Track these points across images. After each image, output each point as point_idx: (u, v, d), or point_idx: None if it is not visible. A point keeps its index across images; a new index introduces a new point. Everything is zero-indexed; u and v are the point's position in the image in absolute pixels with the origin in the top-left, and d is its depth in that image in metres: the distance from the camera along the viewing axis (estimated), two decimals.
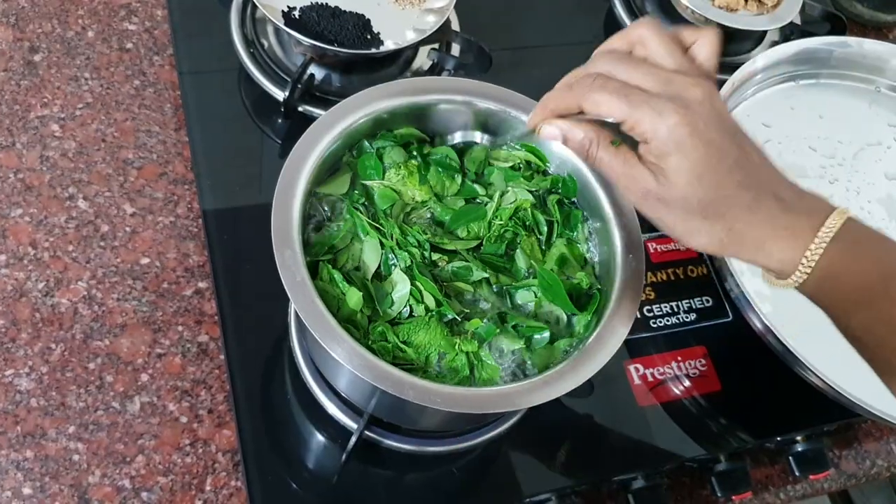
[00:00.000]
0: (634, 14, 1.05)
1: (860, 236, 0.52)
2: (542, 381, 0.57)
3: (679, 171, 0.49)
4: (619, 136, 0.53)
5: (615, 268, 0.63)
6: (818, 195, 0.53)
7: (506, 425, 0.75)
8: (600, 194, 0.66)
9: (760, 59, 0.89)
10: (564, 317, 0.64)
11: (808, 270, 0.50)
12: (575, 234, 0.67)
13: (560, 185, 0.68)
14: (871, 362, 0.55)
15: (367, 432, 0.71)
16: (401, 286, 0.61)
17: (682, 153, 0.49)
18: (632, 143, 0.52)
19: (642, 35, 0.53)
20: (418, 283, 0.61)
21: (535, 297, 0.64)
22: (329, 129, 0.62)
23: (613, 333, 0.59)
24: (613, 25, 1.07)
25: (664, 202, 0.51)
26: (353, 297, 0.60)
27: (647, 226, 0.88)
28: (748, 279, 0.79)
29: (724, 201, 0.50)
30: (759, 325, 0.77)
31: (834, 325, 0.55)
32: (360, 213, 0.64)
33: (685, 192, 0.50)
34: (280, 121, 0.89)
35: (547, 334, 0.62)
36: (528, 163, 0.70)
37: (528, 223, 0.66)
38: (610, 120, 0.51)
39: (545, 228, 0.67)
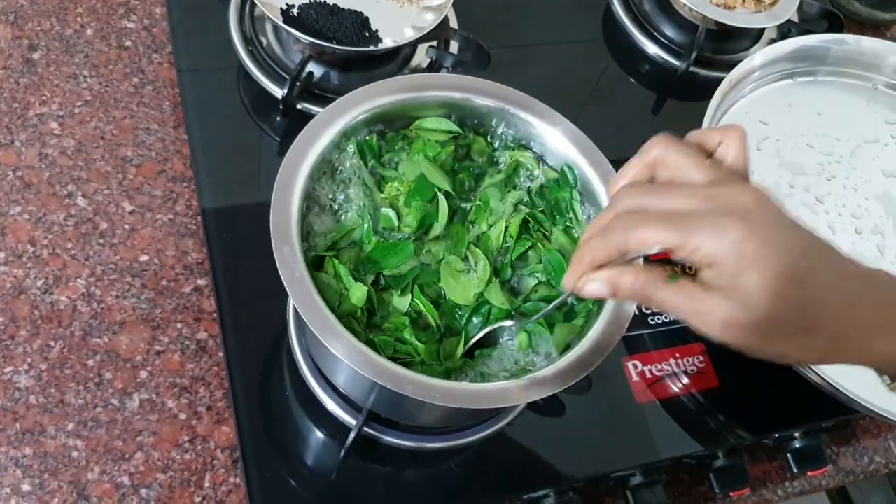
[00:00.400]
0: (632, 12, 1.05)
1: None
2: (539, 377, 0.57)
3: (759, 288, 0.42)
4: (673, 269, 0.46)
5: None
6: (878, 270, 0.47)
7: (504, 422, 0.75)
8: (595, 184, 0.66)
9: (758, 56, 0.90)
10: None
11: None
12: (567, 217, 0.67)
13: (560, 176, 0.68)
14: None
15: (365, 429, 0.71)
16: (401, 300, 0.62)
17: (757, 268, 0.42)
18: (689, 274, 0.46)
19: (660, 155, 0.48)
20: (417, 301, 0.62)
21: (538, 281, 0.64)
22: (327, 126, 0.63)
23: (612, 330, 0.59)
24: (612, 24, 1.07)
25: (750, 327, 0.44)
26: (357, 293, 0.60)
27: None
28: None
29: (818, 308, 0.44)
30: None
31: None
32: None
33: (772, 310, 0.43)
34: (279, 118, 0.89)
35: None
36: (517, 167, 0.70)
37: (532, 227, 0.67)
38: (655, 251, 0.45)
39: (549, 224, 0.67)
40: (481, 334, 0.61)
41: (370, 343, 0.57)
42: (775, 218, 0.44)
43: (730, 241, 0.42)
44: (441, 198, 0.65)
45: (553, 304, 0.59)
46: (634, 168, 0.49)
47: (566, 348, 0.61)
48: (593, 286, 0.48)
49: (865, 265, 0.47)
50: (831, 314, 0.44)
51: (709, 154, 0.50)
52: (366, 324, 0.61)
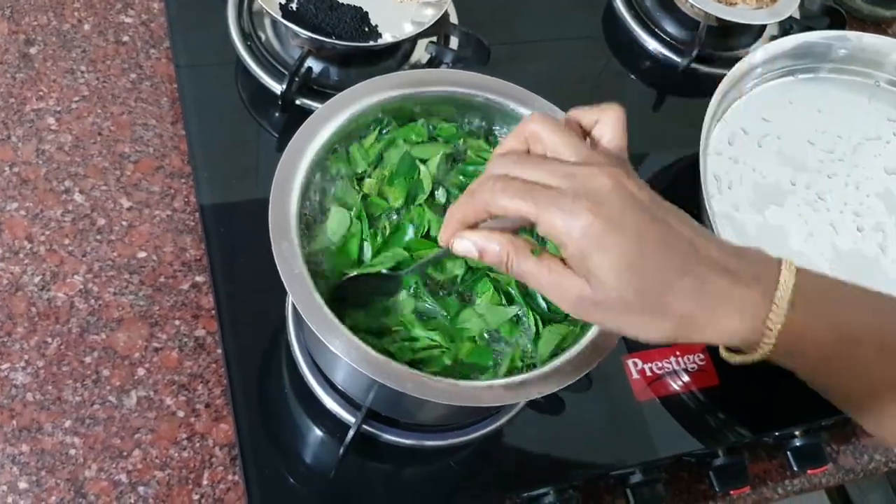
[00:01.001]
0: (634, 9, 1.05)
1: (813, 292, 0.48)
2: (540, 375, 0.57)
3: (606, 269, 0.45)
4: (540, 241, 0.49)
5: None
6: (757, 251, 0.49)
7: (503, 419, 0.74)
8: None
9: (759, 53, 0.89)
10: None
11: (774, 340, 0.47)
12: None
13: None
14: (849, 412, 0.54)
15: (364, 426, 0.71)
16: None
17: (604, 251, 0.45)
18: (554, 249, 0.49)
19: (534, 131, 0.50)
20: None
21: None
22: (326, 121, 0.62)
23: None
24: (612, 20, 1.06)
25: (601, 305, 0.47)
26: None
27: None
28: None
29: (664, 290, 0.46)
30: None
31: (809, 384, 0.53)
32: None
33: (619, 291, 0.45)
34: (277, 114, 0.89)
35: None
36: None
37: None
38: (519, 222, 0.48)
39: None
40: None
41: (385, 352, 0.57)
42: (630, 201, 0.46)
43: (578, 224, 0.45)
44: (422, 167, 0.65)
45: (429, 257, 0.61)
46: (511, 140, 0.52)
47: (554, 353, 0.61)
48: (463, 244, 0.50)
49: (733, 246, 0.49)
50: (677, 300, 0.46)
51: (586, 135, 0.52)
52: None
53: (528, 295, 0.62)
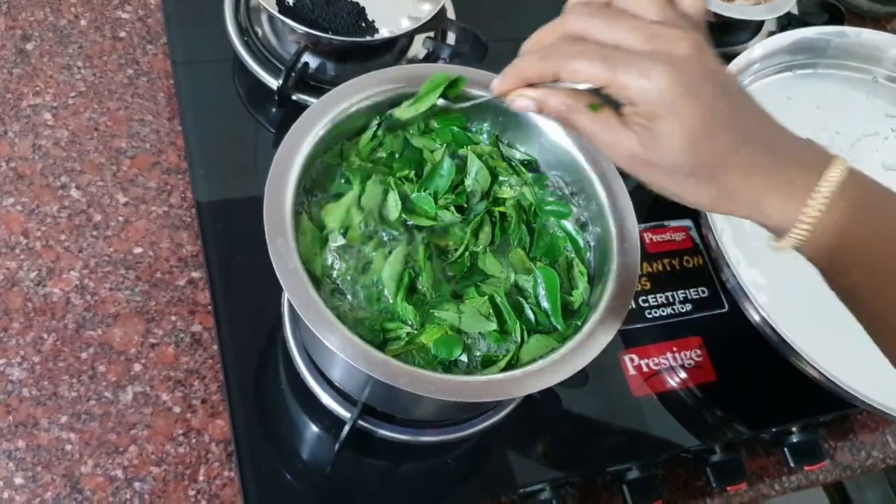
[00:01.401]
0: None
1: (862, 192, 0.48)
2: (536, 369, 0.56)
3: (671, 135, 0.45)
4: (601, 97, 0.49)
5: (610, 256, 0.62)
6: (814, 144, 0.49)
7: (500, 415, 0.74)
8: (595, 182, 0.65)
9: (757, 48, 0.89)
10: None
11: (807, 229, 0.47)
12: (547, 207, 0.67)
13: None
14: (861, 317, 0.52)
15: (360, 422, 0.70)
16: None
17: (675, 117, 0.45)
18: (615, 104, 0.48)
19: None
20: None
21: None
22: (321, 116, 0.62)
23: (607, 324, 0.59)
24: None
25: (652, 165, 0.48)
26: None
27: (642, 215, 0.89)
28: (744, 269, 0.79)
29: (719, 164, 0.47)
30: (755, 315, 0.76)
31: (824, 280, 0.52)
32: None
33: (676, 157, 0.46)
34: (274, 109, 0.89)
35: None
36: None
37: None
38: (591, 86, 0.47)
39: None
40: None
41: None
42: (707, 72, 0.45)
43: (655, 86, 0.44)
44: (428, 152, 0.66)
45: (484, 99, 0.62)
46: None
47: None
48: (522, 101, 0.50)
49: (797, 137, 0.49)
50: (726, 175, 0.47)
51: None
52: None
53: (517, 308, 0.63)
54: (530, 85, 0.50)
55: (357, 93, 0.63)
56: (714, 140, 0.46)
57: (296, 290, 0.55)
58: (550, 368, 0.57)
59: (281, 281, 0.55)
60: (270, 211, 0.58)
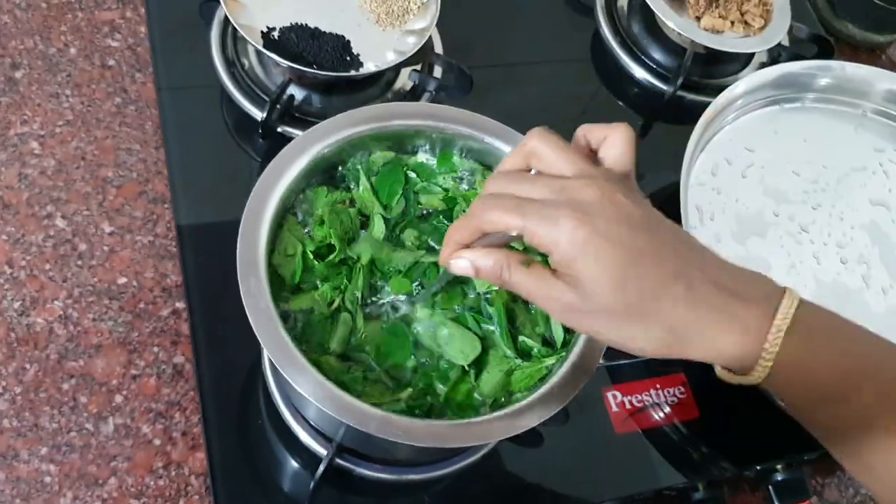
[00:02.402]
0: (620, 35, 1.04)
1: (816, 323, 0.48)
2: (510, 412, 0.56)
3: (593, 278, 0.46)
4: (537, 255, 0.50)
5: None
6: (758, 274, 0.49)
7: (480, 453, 0.74)
8: None
9: (742, 83, 0.89)
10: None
11: (769, 364, 0.47)
12: None
13: None
14: (833, 450, 0.53)
15: (338, 460, 0.70)
16: None
17: (587, 258, 0.45)
18: (545, 260, 0.49)
19: (534, 148, 0.50)
20: None
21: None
22: (299, 154, 0.62)
23: (585, 364, 0.58)
24: (600, 46, 1.06)
25: (589, 314, 0.47)
26: None
27: None
28: None
29: (653, 299, 0.46)
30: None
31: (796, 418, 0.52)
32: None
33: (606, 299, 0.46)
34: (261, 141, 0.89)
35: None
36: None
37: None
38: (511, 234, 0.49)
39: None
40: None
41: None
42: (619, 214, 0.46)
43: (563, 232, 0.45)
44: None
45: (434, 285, 0.62)
46: (512, 158, 0.52)
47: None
48: (460, 263, 0.51)
49: (734, 267, 0.49)
50: (667, 310, 0.46)
51: (592, 153, 0.52)
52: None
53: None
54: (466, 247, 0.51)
55: (334, 132, 0.63)
56: (641, 276, 0.46)
57: (265, 331, 0.55)
58: (524, 411, 0.56)
59: (251, 322, 0.55)
60: (244, 250, 0.58)
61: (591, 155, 0.52)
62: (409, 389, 0.60)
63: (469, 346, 0.61)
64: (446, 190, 0.67)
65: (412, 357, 0.61)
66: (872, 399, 0.49)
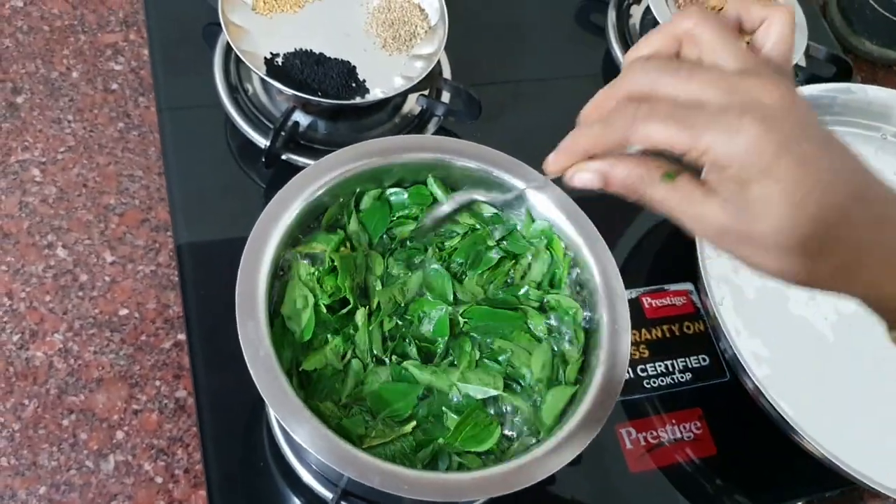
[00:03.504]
0: None
1: None
2: (517, 466, 0.54)
3: (769, 201, 0.38)
4: (674, 162, 0.42)
5: (601, 334, 0.60)
6: None
7: (489, 496, 0.71)
8: (584, 252, 0.63)
9: None
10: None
11: None
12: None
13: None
14: None
15: (343, 503, 0.68)
16: None
17: (771, 179, 0.38)
18: (693, 170, 0.42)
19: (691, 29, 0.42)
20: None
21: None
22: (298, 194, 0.60)
23: (592, 419, 0.56)
24: (611, 68, 1.04)
25: (748, 240, 0.40)
26: None
27: (642, 279, 0.86)
28: (745, 339, 0.76)
29: (831, 232, 0.39)
30: (752, 388, 0.73)
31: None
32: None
33: (779, 225, 0.39)
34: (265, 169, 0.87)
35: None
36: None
37: None
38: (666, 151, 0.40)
39: None
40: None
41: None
42: (802, 124, 0.39)
43: (744, 145, 0.38)
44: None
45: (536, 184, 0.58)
46: (659, 38, 0.44)
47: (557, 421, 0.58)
48: (585, 176, 0.44)
49: None
50: (844, 246, 0.40)
51: (748, 33, 0.46)
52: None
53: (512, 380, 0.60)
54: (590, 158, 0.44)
55: (336, 167, 0.61)
56: (820, 205, 0.38)
57: (265, 379, 0.53)
58: (532, 464, 0.54)
59: (250, 369, 0.53)
60: (242, 294, 0.56)
61: (742, 37, 0.45)
62: (413, 422, 0.58)
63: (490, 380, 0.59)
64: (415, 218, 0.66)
65: (415, 406, 0.58)
66: None
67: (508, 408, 0.60)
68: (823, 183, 0.38)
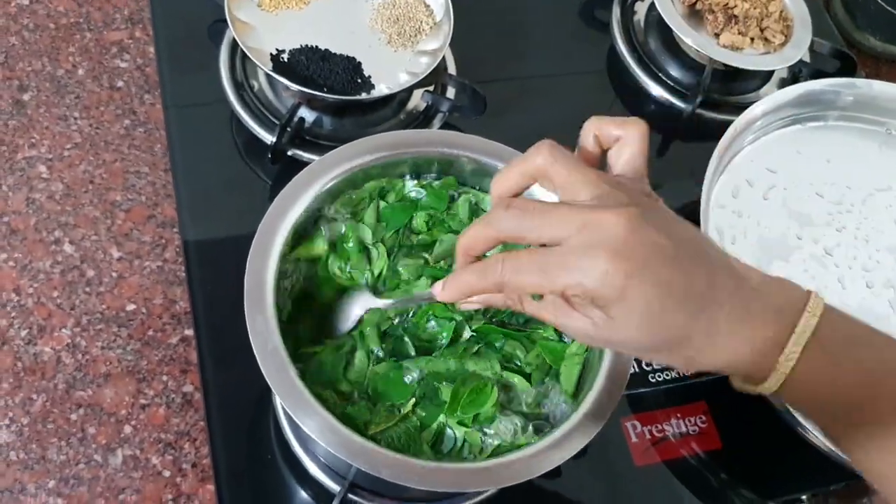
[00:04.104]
0: (637, 52, 1.02)
1: (834, 339, 0.45)
2: (524, 455, 0.54)
3: (625, 320, 0.43)
4: None
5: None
6: (782, 282, 0.47)
7: (496, 488, 0.72)
8: None
9: (762, 103, 0.86)
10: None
11: (783, 376, 0.45)
12: None
13: None
14: (865, 473, 0.50)
15: (351, 496, 0.68)
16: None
17: (624, 303, 0.42)
18: None
19: (542, 167, 0.46)
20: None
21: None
22: (307, 187, 0.60)
23: (598, 411, 0.56)
24: (616, 64, 1.04)
25: (612, 342, 0.46)
26: None
27: None
28: None
29: (681, 339, 0.44)
30: None
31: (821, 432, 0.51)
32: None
33: (635, 337, 0.44)
34: (271, 165, 0.87)
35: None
36: None
37: None
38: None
39: None
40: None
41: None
42: (650, 247, 0.42)
43: (597, 278, 0.42)
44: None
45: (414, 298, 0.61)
46: (516, 176, 0.48)
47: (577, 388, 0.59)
48: (471, 306, 0.52)
49: (761, 275, 0.47)
50: (692, 341, 0.44)
51: (605, 150, 0.49)
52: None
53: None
54: None
55: (343, 162, 0.61)
56: (673, 315, 0.43)
57: (274, 371, 0.54)
58: (539, 454, 0.54)
59: (259, 362, 0.54)
60: (251, 287, 0.56)
61: (601, 155, 0.49)
62: (413, 400, 0.58)
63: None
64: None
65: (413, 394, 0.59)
66: (890, 410, 0.47)
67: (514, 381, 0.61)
68: (672, 299, 0.43)
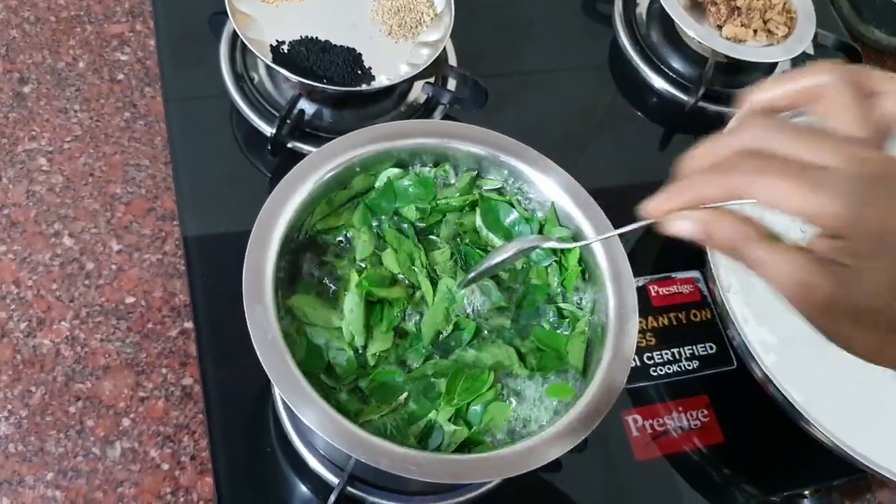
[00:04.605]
0: (639, 44, 1.02)
1: None
2: (524, 447, 0.54)
3: (883, 278, 0.36)
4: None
5: (608, 320, 0.60)
6: None
7: (497, 481, 0.71)
8: (590, 235, 0.63)
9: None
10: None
11: None
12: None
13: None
14: None
15: (350, 488, 0.68)
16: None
17: (893, 255, 0.35)
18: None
19: (827, 88, 0.40)
20: None
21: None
22: (305, 178, 0.60)
23: (603, 396, 0.56)
24: (618, 56, 1.03)
25: (857, 317, 0.37)
26: None
27: (648, 267, 0.86)
28: (752, 327, 0.76)
29: None
30: (760, 375, 0.73)
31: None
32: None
33: (886, 304, 0.36)
34: (270, 157, 0.87)
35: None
36: None
37: None
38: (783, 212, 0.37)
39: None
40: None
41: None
42: None
43: (875, 217, 0.35)
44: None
45: (625, 228, 0.51)
46: (786, 88, 0.42)
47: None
48: (685, 225, 0.40)
49: None
50: None
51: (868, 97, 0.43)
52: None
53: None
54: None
55: (343, 152, 0.61)
56: None
57: (273, 362, 0.53)
58: (539, 446, 0.54)
59: (258, 352, 0.53)
60: (250, 277, 0.56)
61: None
62: (405, 392, 0.58)
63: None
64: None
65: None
66: None
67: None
68: None
